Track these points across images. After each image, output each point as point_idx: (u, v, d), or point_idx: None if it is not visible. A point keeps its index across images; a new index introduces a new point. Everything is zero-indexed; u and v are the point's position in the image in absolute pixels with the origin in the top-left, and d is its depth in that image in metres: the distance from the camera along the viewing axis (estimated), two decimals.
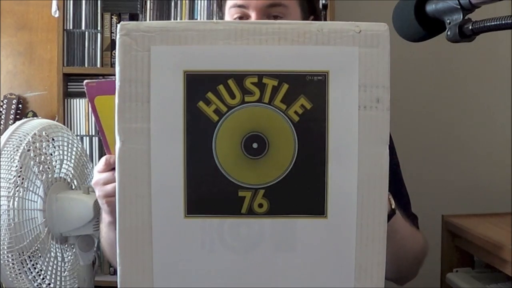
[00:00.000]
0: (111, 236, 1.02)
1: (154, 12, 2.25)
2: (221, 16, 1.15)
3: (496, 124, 2.55)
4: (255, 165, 0.67)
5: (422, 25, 0.66)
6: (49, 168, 1.34)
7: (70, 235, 1.32)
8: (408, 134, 2.41)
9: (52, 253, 1.32)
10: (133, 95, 0.67)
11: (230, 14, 1.09)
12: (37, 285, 1.28)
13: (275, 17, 1.06)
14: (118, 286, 0.69)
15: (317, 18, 1.16)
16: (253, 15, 1.05)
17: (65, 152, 1.40)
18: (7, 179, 1.23)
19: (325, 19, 2.21)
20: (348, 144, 0.67)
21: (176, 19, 2.24)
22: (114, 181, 0.77)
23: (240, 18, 1.07)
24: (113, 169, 0.87)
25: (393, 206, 0.87)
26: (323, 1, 2.24)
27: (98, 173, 0.95)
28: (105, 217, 1.03)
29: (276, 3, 1.06)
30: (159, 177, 0.67)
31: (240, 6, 1.07)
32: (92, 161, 2.13)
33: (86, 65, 2.24)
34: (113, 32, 2.24)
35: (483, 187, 2.46)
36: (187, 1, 2.24)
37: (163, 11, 2.25)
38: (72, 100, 2.23)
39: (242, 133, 0.67)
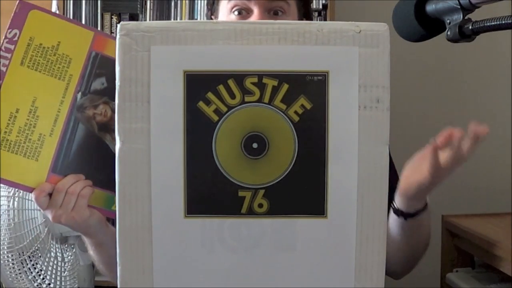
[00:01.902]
0: (103, 256, 0.98)
1: (154, 12, 2.25)
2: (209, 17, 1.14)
3: (496, 124, 2.54)
4: (255, 165, 0.67)
5: (422, 25, 0.66)
6: None
7: (70, 235, 1.32)
8: (408, 134, 2.41)
9: (52, 253, 1.32)
10: (133, 95, 0.67)
11: (227, 6, 1.06)
12: (37, 285, 1.28)
13: (276, 13, 1.05)
14: (118, 286, 0.69)
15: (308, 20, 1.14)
16: (255, 8, 1.03)
17: None
18: None
19: (325, 19, 2.21)
20: (348, 144, 0.67)
21: (176, 19, 2.24)
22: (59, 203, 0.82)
23: (239, 11, 1.04)
24: (50, 194, 0.83)
25: (427, 202, 0.89)
26: (323, 1, 2.24)
27: (47, 208, 0.85)
28: (85, 240, 0.99)
29: None
30: (159, 177, 0.67)
31: None
32: None
33: None
34: (113, 32, 2.24)
35: (483, 187, 2.46)
36: (187, 1, 2.24)
37: (163, 11, 2.25)
38: None
39: (242, 133, 0.67)
